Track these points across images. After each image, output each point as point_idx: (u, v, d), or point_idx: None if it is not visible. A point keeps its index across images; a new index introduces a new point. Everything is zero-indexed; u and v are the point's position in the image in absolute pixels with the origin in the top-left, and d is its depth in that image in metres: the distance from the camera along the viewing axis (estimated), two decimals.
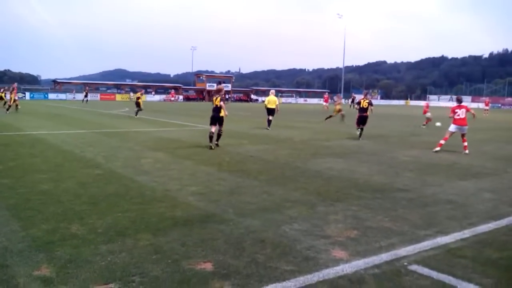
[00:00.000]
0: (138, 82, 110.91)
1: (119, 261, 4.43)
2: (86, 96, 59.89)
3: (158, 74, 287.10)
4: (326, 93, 63.99)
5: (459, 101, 14.71)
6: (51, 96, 74.45)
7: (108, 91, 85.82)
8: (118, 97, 79.98)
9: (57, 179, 8.42)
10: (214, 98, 14.08)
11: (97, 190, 7.57)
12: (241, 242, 5.10)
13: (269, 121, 21.85)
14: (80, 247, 4.79)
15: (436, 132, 22.14)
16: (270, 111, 22.00)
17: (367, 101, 18.21)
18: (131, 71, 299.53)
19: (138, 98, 29.92)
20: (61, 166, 9.90)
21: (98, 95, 79.02)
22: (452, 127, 14.44)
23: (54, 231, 5.32)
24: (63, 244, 4.86)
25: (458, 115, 14.29)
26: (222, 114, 13.82)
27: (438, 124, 23.71)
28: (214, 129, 13.69)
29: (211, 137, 13.66)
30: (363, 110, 18.19)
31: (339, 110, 28.18)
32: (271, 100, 22.26)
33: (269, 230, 5.59)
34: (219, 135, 13.92)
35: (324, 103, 50.98)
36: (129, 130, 19.49)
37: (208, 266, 4.35)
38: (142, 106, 29.60)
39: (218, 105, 13.80)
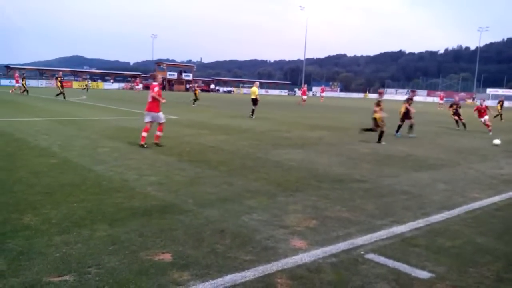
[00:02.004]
0: (97, 69, 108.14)
1: (75, 252, 4.31)
2: (86, 86, 60.80)
3: (117, 61, 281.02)
4: (305, 85, 58.59)
5: None
6: (3, 82, 71.55)
7: (65, 78, 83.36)
8: (75, 84, 77.72)
9: (9, 168, 8.11)
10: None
11: (51, 179, 7.34)
12: (201, 232, 5.06)
13: (252, 110, 23.69)
14: (33, 238, 4.63)
15: (394, 125, 22.72)
16: (252, 101, 23.93)
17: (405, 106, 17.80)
18: (89, 58, 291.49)
19: (195, 90, 34.74)
20: (14, 155, 9.54)
21: (54, 82, 76.56)
22: None
23: (5, 222, 5.12)
24: (15, 235, 4.69)
25: None
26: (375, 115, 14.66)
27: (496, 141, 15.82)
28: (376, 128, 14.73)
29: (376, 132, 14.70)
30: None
31: (458, 115, 22.24)
32: (252, 91, 24.65)
33: (228, 220, 5.57)
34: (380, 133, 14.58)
35: (303, 96, 45.98)
36: (86, 119, 19.00)
37: (167, 257, 4.30)
38: (198, 96, 34.02)
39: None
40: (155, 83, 11.61)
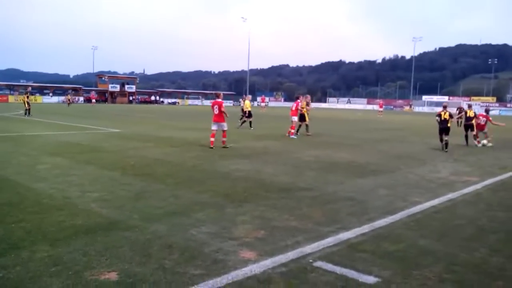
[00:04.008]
0: (34, 82, 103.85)
1: (13, 276, 4.09)
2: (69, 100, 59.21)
3: (57, 74, 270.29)
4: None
5: None
6: None
7: (0, 92, 79.59)
8: (11, 98, 74.32)
9: None
10: (443, 112, 16.68)
11: None
12: (148, 248, 4.95)
13: (250, 122, 24.85)
14: None
15: (336, 133, 23.31)
16: (247, 114, 25.21)
17: (448, 113, 16.71)
18: (26, 71, 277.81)
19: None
20: None
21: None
22: None
23: None
24: None
25: None
26: (449, 124, 16.45)
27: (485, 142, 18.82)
28: (445, 137, 16.26)
29: (444, 143, 16.18)
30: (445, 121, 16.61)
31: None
32: (245, 104, 25.66)
33: (176, 234, 5.49)
34: (446, 144, 16.17)
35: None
36: (24, 134, 18.18)
37: (113, 276, 4.17)
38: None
39: (447, 118, 16.41)
40: (219, 100, 14.97)
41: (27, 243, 4.98)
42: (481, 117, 18.94)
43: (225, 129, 14.89)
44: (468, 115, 18.96)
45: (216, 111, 14.78)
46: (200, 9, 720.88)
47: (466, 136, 18.86)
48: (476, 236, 5.90)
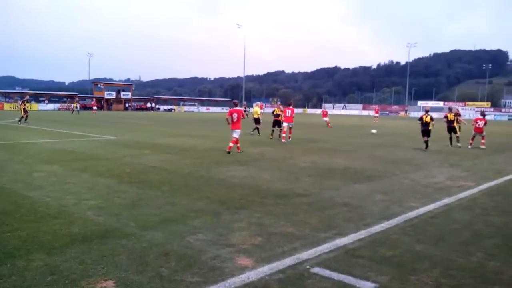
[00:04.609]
0: (30, 90, 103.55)
1: (9, 286, 4.07)
2: (77, 107, 58.08)
3: (52, 81, 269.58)
4: (324, 107, 46.80)
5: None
6: None
7: None
8: (7, 106, 74.10)
9: None
10: (424, 116, 18.59)
11: None
12: (144, 256, 4.94)
13: (255, 128, 24.94)
14: None
15: (332, 139, 23.33)
16: (255, 120, 25.32)
17: (429, 116, 18.52)
18: (22, 78, 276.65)
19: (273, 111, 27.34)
20: None
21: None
22: None
23: None
24: None
25: None
26: (430, 127, 18.21)
27: (373, 131, 27.14)
28: (425, 138, 18.18)
29: (425, 144, 18.15)
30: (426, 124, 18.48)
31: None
32: (254, 111, 26.06)
33: (173, 242, 5.48)
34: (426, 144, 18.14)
35: (325, 118, 37.58)
36: (19, 142, 18.10)
37: (110, 284, 4.15)
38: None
39: (428, 121, 18.22)
40: (238, 108, 16.18)
41: (23, 252, 4.96)
42: (479, 121, 19.69)
43: (237, 136, 15.43)
44: (449, 118, 20.37)
45: (235, 119, 15.39)
46: (195, 16, 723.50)
47: (450, 138, 20.33)
48: (472, 241, 5.92)
